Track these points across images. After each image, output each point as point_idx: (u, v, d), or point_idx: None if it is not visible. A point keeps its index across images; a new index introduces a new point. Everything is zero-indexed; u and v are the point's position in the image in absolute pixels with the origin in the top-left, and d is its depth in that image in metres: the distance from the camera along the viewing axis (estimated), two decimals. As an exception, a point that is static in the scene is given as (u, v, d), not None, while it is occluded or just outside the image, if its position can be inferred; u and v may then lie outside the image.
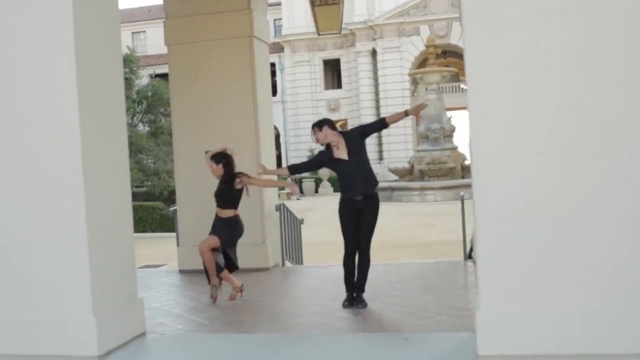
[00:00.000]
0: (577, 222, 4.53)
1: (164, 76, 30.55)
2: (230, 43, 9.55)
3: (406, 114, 6.72)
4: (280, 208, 10.06)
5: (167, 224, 20.57)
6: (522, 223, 4.58)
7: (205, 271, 7.45)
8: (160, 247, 17.46)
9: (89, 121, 5.27)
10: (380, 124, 6.73)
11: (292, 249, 10.57)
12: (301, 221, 11.22)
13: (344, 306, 6.66)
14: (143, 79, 29.96)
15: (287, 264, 10.11)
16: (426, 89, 31.87)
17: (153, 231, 21.53)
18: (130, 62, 28.03)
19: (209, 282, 7.38)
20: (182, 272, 9.61)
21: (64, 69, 5.16)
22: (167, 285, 8.74)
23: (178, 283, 8.89)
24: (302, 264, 10.98)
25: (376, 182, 6.75)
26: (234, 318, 6.49)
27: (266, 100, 10.07)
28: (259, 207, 9.52)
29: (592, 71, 4.47)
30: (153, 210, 21.94)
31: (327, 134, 6.68)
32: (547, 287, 4.57)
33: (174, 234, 11.50)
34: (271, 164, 10.05)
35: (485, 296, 4.66)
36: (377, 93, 47.81)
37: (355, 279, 6.75)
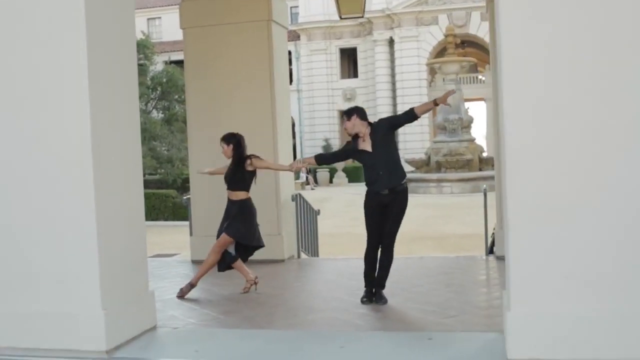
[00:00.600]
0: (614, 220, 4.24)
1: (179, 63, 30.32)
2: (248, 27, 9.26)
3: (435, 103, 6.36)
4: (297, 198, 9.79)
5: (180, 213, 20.40)
6: (557, 220, 4.30)
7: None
8: (173, 236, 17.28)
9: (99, 107, 5.03)
10: (410, 115, 6.36)
11: (308, 240, 10.31)
12: (317, 212, 10.95)
13: (363, 302, 6.40)
14: (157, 65, 29.71)
15: (303, 255, 9.85)
16: (444, 80, 31.47)
17: (166, 219, 21.37)
18: (145, 47, 27.77)
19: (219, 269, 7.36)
20: (195, 262, 9.37)
21: (73, 51, 4.92)
22: (179, 275, 8.51)
23: (191, 274, 8.63)
24: (317, 256, 10.72)
25: (403, 176, 6.40)
26: (248, 312, 6.23)
27: (284, 88, 9.80)
28: (274, 198, 9.27)
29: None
30: (166, 198, 21.78)
31: (355, 123, 6.38)
32: (583, 288, 4.29)
33: (187, 223, 11.28)
34: (288, 154, 9.78)
35: (516, 296, 4.38)
36: (393, 83, 47.35)
37: (376, 274, 6.47)
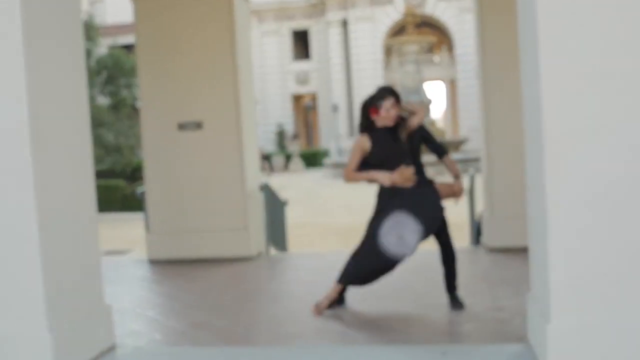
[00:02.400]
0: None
1: (125, 47, 29.01)
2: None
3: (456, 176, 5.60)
4: (264, 189, 8.91)
5: (130, 204, 19.34)
6: (612, 213, 3.53)
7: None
8: (124, 230, 16.25)
9: (38, 88, 4.08)
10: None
11: (276, 234, 9.43)
12: (285, 202, 10.08)
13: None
14: (102, 48, 28.25)
15: (272, 251, 8.98)
16: (401, 62, 30.76)
17: (115, 211, 20.24)
18: (89, 29, 26.33)
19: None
20: (152, 262, 8.44)
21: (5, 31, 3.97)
22: (136, 278, 7.58)
23: (149, 276, 7.73)
24: (286, 250, 9.86)
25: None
26: (222, 324, 5.35)
27: (247, 64, 8.87)
28: (240, 187, 8.37)
29: None
30: (115, 189, 20.68)
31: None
32: None
33: (138, 215, 10.37)
34: (252, 136, 8.88)
35: (561, 305, 3.60)
36: (348, 65, 46.56)
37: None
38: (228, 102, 8.30)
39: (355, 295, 5.86)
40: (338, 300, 5.69)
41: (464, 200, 8.99)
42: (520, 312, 5.22)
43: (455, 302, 5.48)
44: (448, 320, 5.22)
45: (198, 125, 8.35)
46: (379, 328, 5.05)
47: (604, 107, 3.50)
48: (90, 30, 26.24)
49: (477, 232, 8.74)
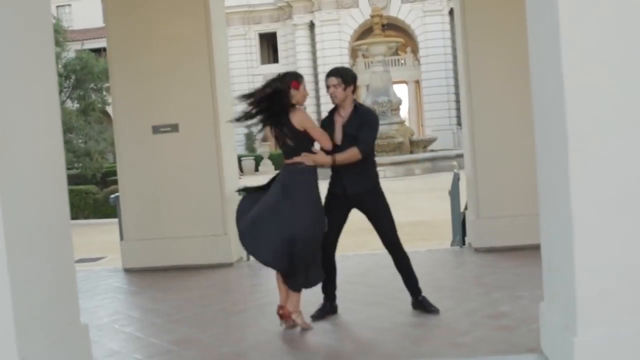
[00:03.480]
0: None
1: (94, 52, 28.36)
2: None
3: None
4: (244, 192, 8.52)
5: (102, 210, 18.77)
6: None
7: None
8: (96, 237, 15.68)
9: (5, 92, 3.69)
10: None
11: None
12: (264, 206, 9.70)
13: (313, 317, 5.31)
14: (70, 52, 27.55)
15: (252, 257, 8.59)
16: (371, 62, 30.56)
17: (87, 218, 19.65)
18: (56, 32, 25.63)
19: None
20: (127, 271, 8.03)
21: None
22: (112, 290, 7.17)
23: (125, 287, 7.33)
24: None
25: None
26: (210, 341, 4.97)
27: (224, 63, 8.52)
28: (218, 191, 8.01)
29: None
30: (86, 194, 20.06)
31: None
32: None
33: (110, 221, 9.96)
34: (230, 138, 8.54)
35: (587, 317, 3.31)
36: (315, 67, 46.28)
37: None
38: (205, 103, 7.94)
39: (345, 302, 5.55)
40: (329, 309, 5.39)
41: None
42: (524, 319, 4.97)
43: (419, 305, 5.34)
44: (449, 328, 4.92)
45: (173, 128, 7.97)
46: (377, 342, 4.73)
47: (632, 100, 3.23)
48: (57, 34, 25.58)
49: (462, 232, 8.47)
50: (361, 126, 5.16)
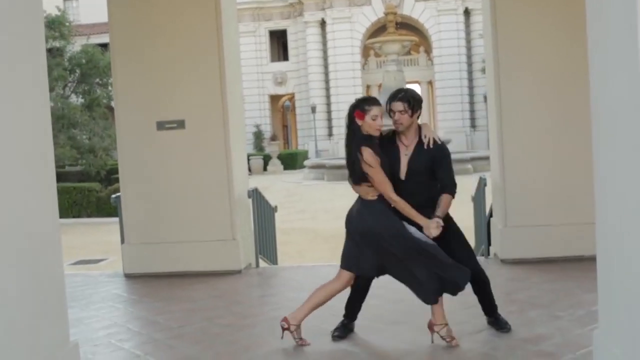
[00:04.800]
0: None
1: (101, 47, 27.88)
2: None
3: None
4: (254, 194, 8.04)
5: (105, 208, 18.32)
6: None
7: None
8: (98, 236, 15.25)
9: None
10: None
11: (265, 243, 8.56)
12: (275, 209, 9.22)
13: (334, 337, 4.80)
14: (75, 45, 27.11)
15: (262, 263, 8.10)
16: (383, 62, 30.03)
17: (89, 216, 19.20)
18: (60, 25, 25.20)
19: None
20: (128, 276, 7.53)
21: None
22: (111, 298, 6.66)
23: (125, 295, 6.82)
24: (276, 262, 9.00)
25: None
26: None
27: (235, 57, 8.02)
28: (226, 193, 7.49)
29: None
30: (89, 192, 19.61)
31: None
32: None
33: (114, 220, 9.48)
34: (240, 136, 8.03)
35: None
36: (326, 66, 45.78)
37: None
38: (214, 99, 7.42)
39: (362, 319, 5.03)
40: (349, 327, 4.87)
41: (468, 206, 8.28)
42: (566, 343, 4.48)
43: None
44: (483, 354, 4.40)
45: (180, 124, 7.46)
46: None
47: None
48: (62, 27, 25.16)
49: (487, 242, 7.94)
50: (431, 163, 4.60)
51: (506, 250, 7.28)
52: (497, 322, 4.85)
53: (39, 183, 3.64)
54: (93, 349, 4.86)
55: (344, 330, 4.85)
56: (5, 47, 3.35)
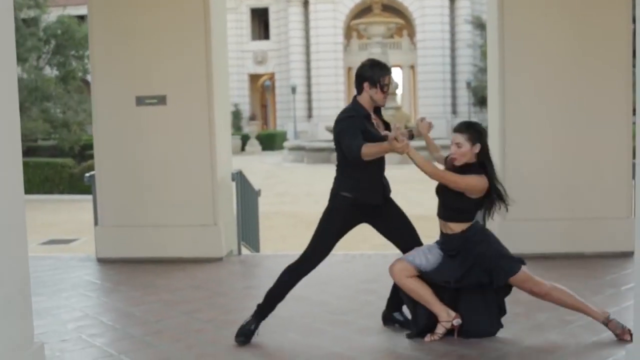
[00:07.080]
0: None
1: (78, 19, 27.03)
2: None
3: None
4: (237, 177, 7.56)
5: (78, 185, 17.73)
6: None
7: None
8: (71, 214, 14.69)
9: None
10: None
11: (248, 229, 8.09)
12: (258, 192, 8.76)
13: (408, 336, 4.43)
14: (51, 15, 26.23)
15: (244, 250, 7.64)
16: (366, 44, 29.57)
17: (61, 193, 18.58)
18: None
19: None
20: (101, 261, 7.05)
21: None
22: (82, 284, 6.18)
23: (98, 282, 6.33)
24: (258, 248, 8.55)
25: None
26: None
27: (221, 29, 7.55)
28: (209, 175, 7.03)
29: None
30: (62, 168, 18.96)
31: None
32: None
33: (87, 197, 8.97)
34: (225, 114, 7.56)
35: None
36: (307, 46, 45.17)
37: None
38: (198, 73, 6.94)
39: (360, 317, 4.64)
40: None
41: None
42: (579, 352, 4.11)
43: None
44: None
45: (160, 100, 6.97)
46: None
47: None
48: (37, -4, 24.30)
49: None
50: None
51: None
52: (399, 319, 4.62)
53: (3, 163, 3.16)
54: (61, 345, 4.39)
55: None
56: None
